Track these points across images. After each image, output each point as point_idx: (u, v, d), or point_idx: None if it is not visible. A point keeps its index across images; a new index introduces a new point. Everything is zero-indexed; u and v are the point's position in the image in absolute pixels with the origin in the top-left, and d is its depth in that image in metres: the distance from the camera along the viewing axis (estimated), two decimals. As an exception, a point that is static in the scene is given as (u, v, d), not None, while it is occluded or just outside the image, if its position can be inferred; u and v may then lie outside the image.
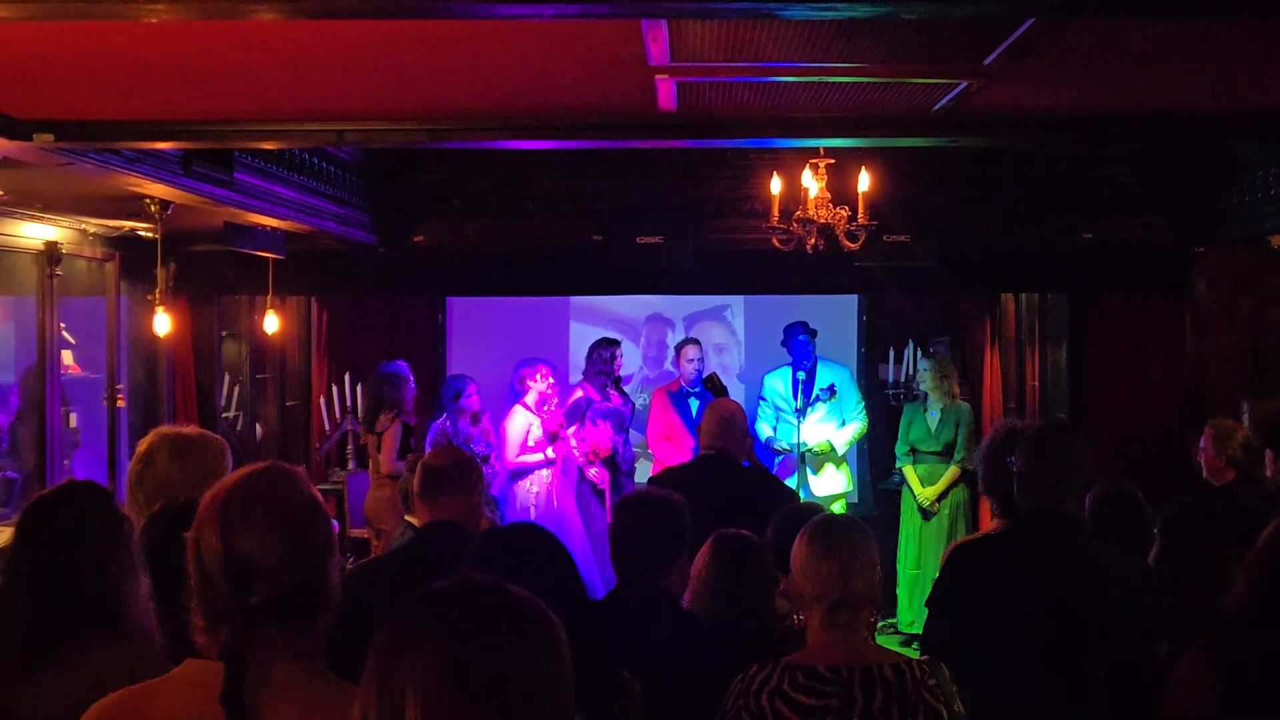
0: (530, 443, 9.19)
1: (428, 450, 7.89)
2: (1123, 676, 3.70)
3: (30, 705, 2.91)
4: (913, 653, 4.12)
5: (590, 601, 3.44)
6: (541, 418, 9.19)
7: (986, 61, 4.07)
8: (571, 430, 9.26)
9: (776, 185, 7.36)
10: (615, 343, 9.67)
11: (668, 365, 11.37)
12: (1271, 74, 4.49)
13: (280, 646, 2.17)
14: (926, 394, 9.53)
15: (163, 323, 6.62)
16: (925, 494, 9.30)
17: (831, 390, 9.34)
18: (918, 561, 9.28)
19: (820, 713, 3.17)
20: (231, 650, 2.13)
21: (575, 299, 11.40)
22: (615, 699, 3.22)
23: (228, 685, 2.09)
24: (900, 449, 9.56)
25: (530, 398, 9.27)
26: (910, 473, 9.42)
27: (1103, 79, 4.58)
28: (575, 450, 9.25)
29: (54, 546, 3.07)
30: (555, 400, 9.26)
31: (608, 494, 9.22)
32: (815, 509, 4.68)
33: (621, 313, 11.57)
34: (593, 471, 9.25)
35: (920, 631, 4.96)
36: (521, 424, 9.22)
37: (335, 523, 2.40)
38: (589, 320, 11.41)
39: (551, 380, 9.36)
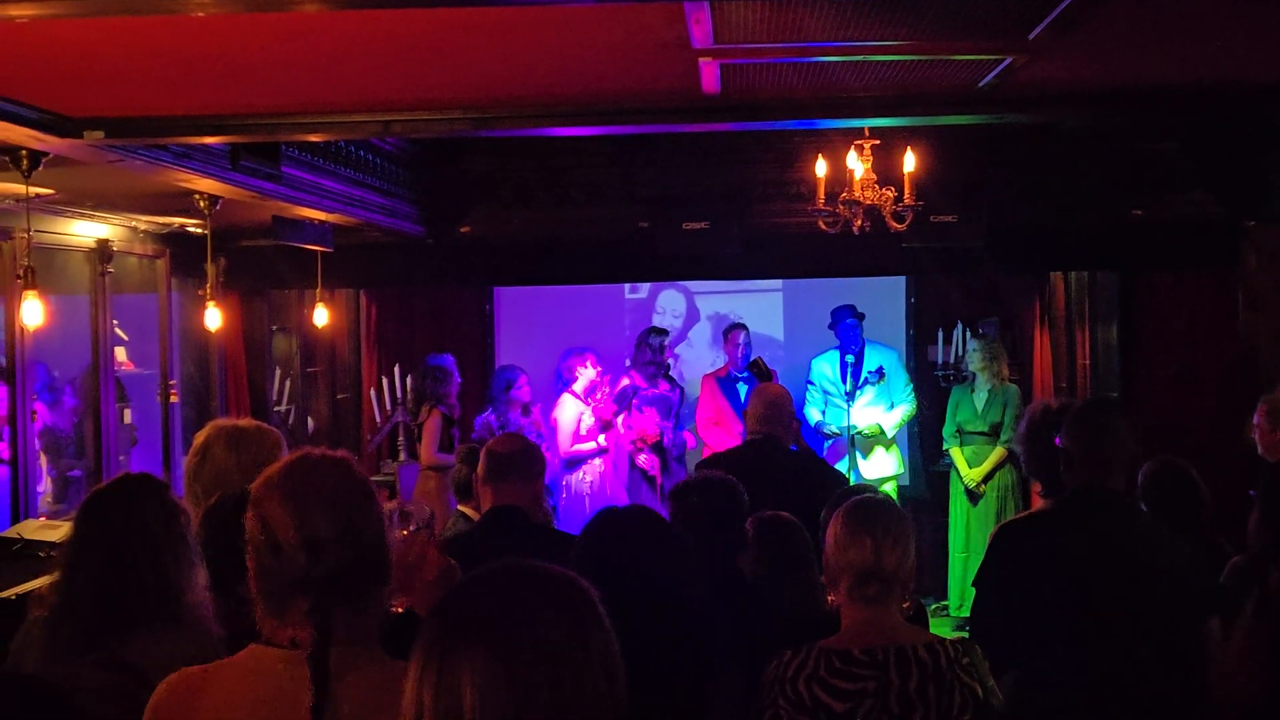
0: (582, 431, 9.23)
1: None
2: (1172, 654, 3.68)
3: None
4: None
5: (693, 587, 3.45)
6: (591, 405, 9.22)
7: (1031, 36, 4.03)
8: (620, 419, 9.29)
9: (822, 168, 7.32)
10: (664, 332, 9.68)
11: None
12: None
13: (340, 626, 2.20)
14: (975, 375, 9.48)
15: (214, 318, 6.67)
16: (971, 475, 9.26)
17: (880, 373, 9.33)
18: (966, 544, 9.24)
19: (857, 696, 3.16)
20: (317, 615, 2.18)
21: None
22: (716, 689, 3.24)
23: (316, 646, 2.15)
24: (948, 431, 9.53)
25: (579, 386, 9.31)
26: (957, 454, 9.38)
27: (1151, 52, 4.54)
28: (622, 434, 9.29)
29: (111, 539, 3.09)
30: (606, 389, 9.30)
31: (659, 479, 9.24)
32: (869, 492, 4.68)
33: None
34: (642, 458, 9.29)
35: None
36: (573, 413, 9.26)
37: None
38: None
39: (600, 368, 9.39)
